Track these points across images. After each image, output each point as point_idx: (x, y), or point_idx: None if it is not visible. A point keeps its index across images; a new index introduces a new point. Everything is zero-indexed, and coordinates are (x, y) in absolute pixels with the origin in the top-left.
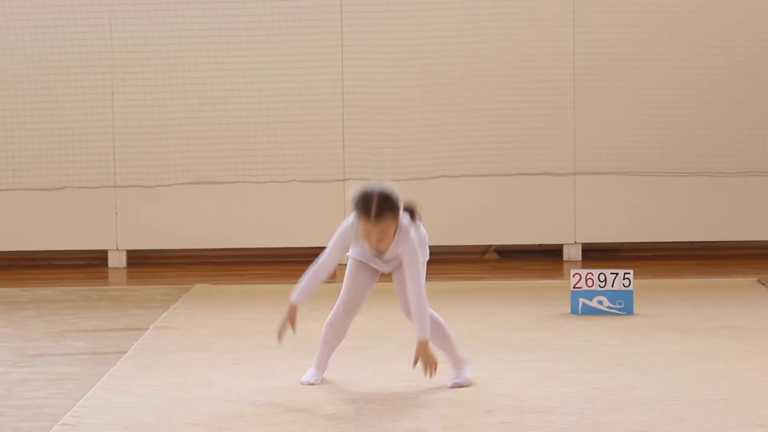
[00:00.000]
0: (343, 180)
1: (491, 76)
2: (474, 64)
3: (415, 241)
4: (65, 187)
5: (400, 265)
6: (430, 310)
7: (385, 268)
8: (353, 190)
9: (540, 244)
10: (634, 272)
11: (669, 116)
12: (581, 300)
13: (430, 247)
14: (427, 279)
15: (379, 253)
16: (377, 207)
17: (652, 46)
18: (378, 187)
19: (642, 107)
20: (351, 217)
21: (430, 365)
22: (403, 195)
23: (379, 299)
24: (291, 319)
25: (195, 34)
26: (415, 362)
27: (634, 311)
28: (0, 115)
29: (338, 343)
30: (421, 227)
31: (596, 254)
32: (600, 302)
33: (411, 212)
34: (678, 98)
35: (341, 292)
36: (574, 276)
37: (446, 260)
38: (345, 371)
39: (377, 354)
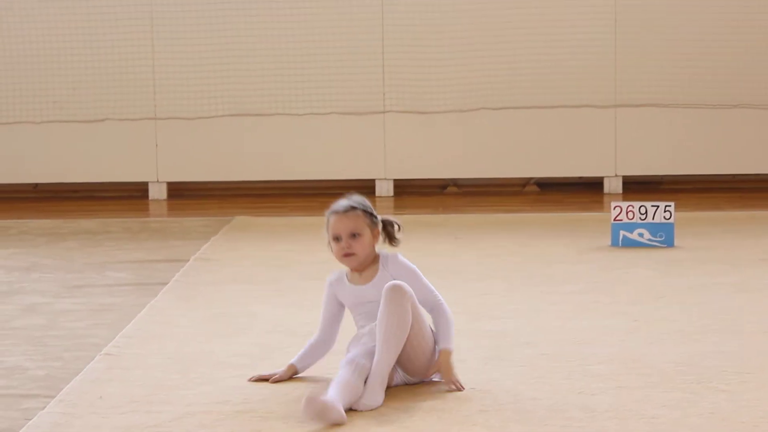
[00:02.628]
0: (383, 112)
1: (532, 7)
2: None
3: (407, 262)
4: (106, 119)
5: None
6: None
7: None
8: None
9: (580, 177)
10: (675, 205)
11: (711, 47)
12: (622, 232)
13: (471, 179)
14: (468, 211)
15: (358, 277)
16: (349, 201)
17: None
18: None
19: (684, 38)
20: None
21: (452, 381)
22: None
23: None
24: (282, 376)
25: None
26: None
27: (675, 244)
28: (40, 47)
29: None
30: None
31: (637, 187)
32: (641, 235)
33: (387, 230)
34: (721, 29)
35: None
36: (614, 208)
37: (486, 193)
38: None
39: None
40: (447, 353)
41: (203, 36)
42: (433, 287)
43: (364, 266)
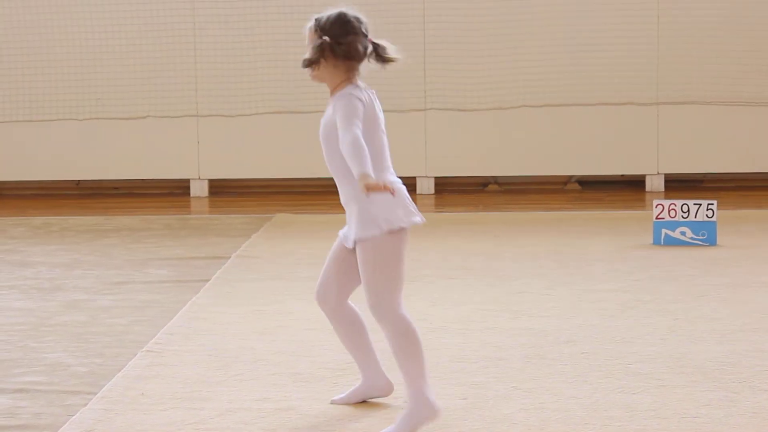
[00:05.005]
0: (425, 110)
1: (574, 4)
2: None
3: (353, 95)
4: (148, 116)
5: None
6: (407, 319)
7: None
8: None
9: (622, 175)
10: (717, 203)
11: (754, 45)
12: (664, 231)
13: (512, 177)
14: (508, 209)
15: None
16: (322, 14)
17: None
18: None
19: (727, 36)
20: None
21: (374, 188)
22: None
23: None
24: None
25: None
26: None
27: (717, 242)
28: (83, 44)
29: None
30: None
31: (679, 185)
32: (683, 233)
33: (377, 51)
34: (762, 25)
35: None
36: (656, 207)
37: (528, 190)
38: (419, 301)
39: (456, 283)
40: (362, 175)
41: (245, 34)
42: (345, 132)
43: (331, 89)
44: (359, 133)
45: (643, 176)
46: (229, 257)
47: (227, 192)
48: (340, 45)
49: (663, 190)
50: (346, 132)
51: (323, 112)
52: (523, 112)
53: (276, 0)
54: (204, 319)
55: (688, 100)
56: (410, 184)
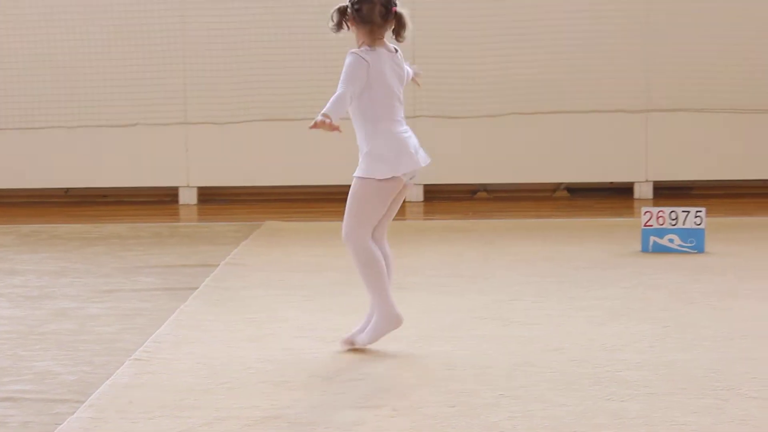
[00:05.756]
0: (414, 117)
1: (562, 11)
2: (545, 3)
3: (357, 55)
4: (137, 123)
5: None
6: (370, 249)
7: None
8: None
9: (611, 182)
10: (705, 210)
11: (742, 52)
12: (652, 238)
13: (501, 185)
14: (498, 216)
15: None
16: None
17: None
18: None
19: (715, 42)
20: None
21: (317, 124)
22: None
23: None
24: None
25: None
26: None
27: (706, 250)
28: (71, 52)
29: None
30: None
31: (668, 192)
32: (671, 240)
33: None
34: (752, 33)
35: None
36: (645, 214)
37: (517, 198)
38: (408, 308)
39: (446, 291)
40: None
41: (233, 41)
42: (341, 83)
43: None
44: (346, 90)
45: (632, 184)
46: (218, 265)
47: (216, 200)
48: (357, 10)
49: (652, 197)
50: (338, 88)
51: (312, 119)
52: (512, 119)
53: (265, 6)
54: (192, 327)
55: (677, 107)
56: None
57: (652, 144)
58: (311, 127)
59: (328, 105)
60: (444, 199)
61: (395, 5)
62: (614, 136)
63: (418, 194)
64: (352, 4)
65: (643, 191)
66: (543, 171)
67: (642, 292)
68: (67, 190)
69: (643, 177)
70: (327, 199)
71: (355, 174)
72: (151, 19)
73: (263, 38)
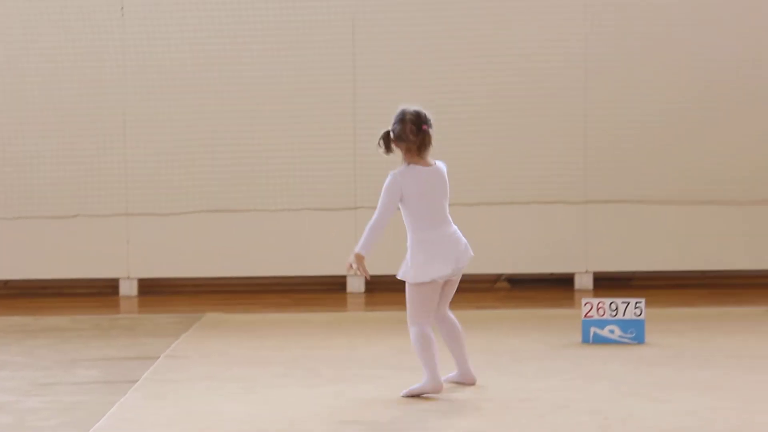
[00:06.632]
0: (355, 208)
1: (503, 106)
2: (486, 95)
3: (393, 176)
4: (77, 215)
5: None
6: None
7: None
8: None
9: (551, 273)
10: (645, 301)
11: (680, 144)
12: (593, 329)
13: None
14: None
15: None
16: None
17: (664, 76)
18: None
19: (653, 136)
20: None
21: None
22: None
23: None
24: (361, 266)
25: (207, 63)
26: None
27: (646, 340)
28: (13, 143)
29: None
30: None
31: (608, 283)
32: (611, 331)
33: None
34: (689, 127)
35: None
36: (585, 305)
37: (457, 289)
38: (347, 401)
39: (388, 383)
40: (356, 255)
41: (175, 132)
42: (379, 205)
43: None
44: (381, 216)
45: (572, 274)
46: (159, 357)
47: (157, 291)
48: (393, 131)
49: (592, 288)
50: (376, 211)
51: (256, 211)
52: (452, 210)
53: (207, 102)
54: (132, 420)
55: (615, 198)
56: (341, 282)
57: (592, 235)
58: (348, 270)
59: (364, 236)
60: (386, 290)
61: (425, 123)
62: (554, 227)
63: (359, 285)
64: (392, 126)
65: (584, 282)
66: (483, 262)
67: (583, 383)
68: (7, 282)
69: (583, 268)
70: (269, 291)
71: (398, 275)
72: (92, 109)
73: (205, 128)
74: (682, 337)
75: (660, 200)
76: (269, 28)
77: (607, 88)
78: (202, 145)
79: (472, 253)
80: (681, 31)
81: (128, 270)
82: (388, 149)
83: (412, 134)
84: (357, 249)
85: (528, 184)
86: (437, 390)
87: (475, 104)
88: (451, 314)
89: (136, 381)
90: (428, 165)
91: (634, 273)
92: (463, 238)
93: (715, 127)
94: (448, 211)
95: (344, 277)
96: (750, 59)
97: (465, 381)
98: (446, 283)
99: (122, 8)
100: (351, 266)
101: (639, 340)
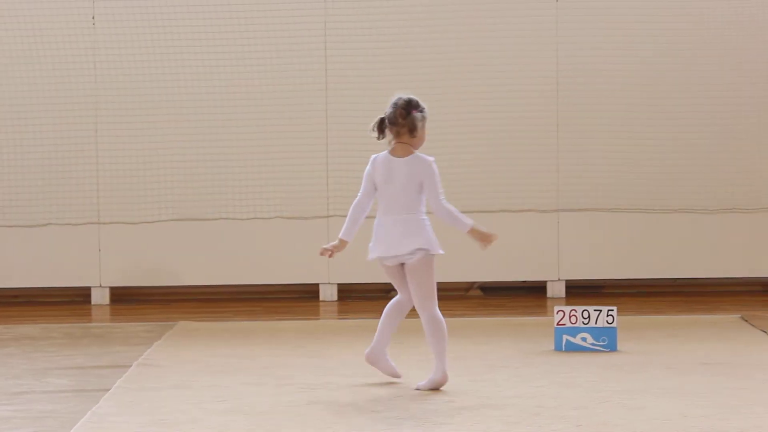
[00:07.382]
0: (327, 217)
1: (475, 116)
2: (458, 103)
3: (370, 162)
4: (49, 224)
5: None
6: (440, 315)
7: None
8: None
9: (524, 281)
10: (617, 309)
11: (652, 153)
12: (565, 337)
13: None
14: (411, 316)
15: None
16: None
17: (635, 86)
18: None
19: (625, 145)
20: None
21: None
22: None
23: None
24: (335, 249)
25: (179, 72)
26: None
27: (618, 348)
28: None
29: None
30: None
31: (580, 291)
32: (584, 339)
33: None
34: (661, 136)
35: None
36: (557, 313)
37: None
38: (322, 411)
39: (360, 393)
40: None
41: (147, 140)
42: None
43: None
44: (357, 200)
45: (545, 282)
46: (131, 366)
47: (129, 300)
48: (387, 116)
49: (564, 296)
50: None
51: (227, 219)
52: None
53: (179, 111)
54: (104, 429)
55: (587, 207)
56: (313, 290)
57: (564, 243)
58: (321, 254)
59: (345, 221)
60: (359, 298)
61: (416, 108)
62: (526, 236)
63: (332, 293)
64: (386, 111)
65: (556, 290)
66: (456, 270)
67: (555, 390)
68: None
69: (555, 276)
70: (241, 299)
71: None
72: (64, 117)
73: (176, 137)
74: (654, 344)
75: (631, 209)
76: (241, 38)
77: (579, 99)
78: (173, 154)
79: (415, 248)
80: (646, 46)
81: (100, 278)
82: (380, 133)
83: (401, 117)
84: (339, 234)
85: (500, 193)
86: (446, 379)
87: (447, 114)
88: (423, 315)
89: (109, 389)
90: (402, 156)
91: (605, 281)
92: (425, 234)
93: (686, 136)
94: (419, 202)
95: (317, 285)
96: (719, 73)
97: (369, 356)
98: (406, 272)
99: (93, 17)
100: (325, 249)
101: (611, 347)
